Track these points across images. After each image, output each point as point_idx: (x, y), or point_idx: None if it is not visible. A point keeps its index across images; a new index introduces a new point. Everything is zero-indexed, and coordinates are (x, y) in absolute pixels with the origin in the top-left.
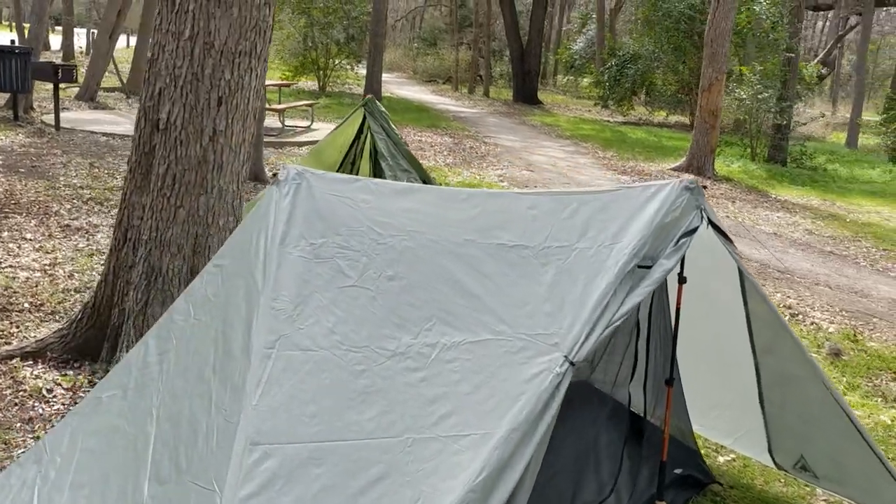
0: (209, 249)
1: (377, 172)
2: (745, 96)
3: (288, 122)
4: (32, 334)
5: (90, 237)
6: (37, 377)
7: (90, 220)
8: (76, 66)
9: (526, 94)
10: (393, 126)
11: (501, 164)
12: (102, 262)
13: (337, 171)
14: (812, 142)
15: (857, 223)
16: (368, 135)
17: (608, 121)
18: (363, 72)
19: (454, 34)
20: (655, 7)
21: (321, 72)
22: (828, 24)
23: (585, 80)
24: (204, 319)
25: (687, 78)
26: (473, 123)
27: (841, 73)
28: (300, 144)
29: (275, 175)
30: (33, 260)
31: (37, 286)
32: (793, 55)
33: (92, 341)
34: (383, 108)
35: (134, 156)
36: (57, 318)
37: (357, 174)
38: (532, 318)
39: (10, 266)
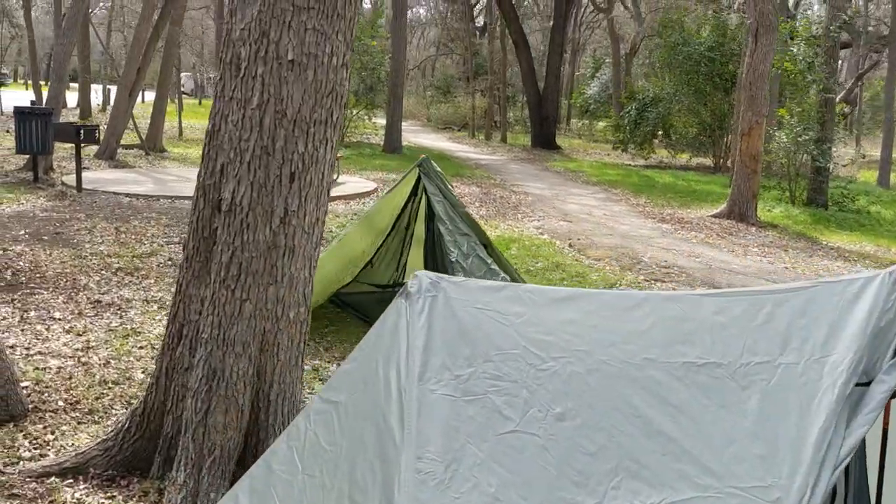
0: (278, 347)
1: (434, 236)
2: (785, 139)
3: None
4: (70, 442)
5: (123, 314)
6: (79, 501)
7: (121, 293)
8: (98, 125)
9: (544, 140)
10: (449, 186)
11: (536, 215)
12: (139, 343)
13: (389, 235)
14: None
15: None
16: (423, 196)
17: (630, 164)
18: (380, 121)
19: (469, 82)
20: (675, 50)
21: None
22: (844, 63)
23: (601, 123)
24: (318, 476)
25: (709, 120)
26: (497, 171)
27: (861, 110)
28: (330, 199)
29: (402, 285)
30: (64, 344)
31: (70, 378)
32: (831, 96)
33: (141, 454)
34: (438, 168)
35: (191, 241)
36: (96, 417)
37: (412, 238)
38: (742, 464)
39: (40, 353)
